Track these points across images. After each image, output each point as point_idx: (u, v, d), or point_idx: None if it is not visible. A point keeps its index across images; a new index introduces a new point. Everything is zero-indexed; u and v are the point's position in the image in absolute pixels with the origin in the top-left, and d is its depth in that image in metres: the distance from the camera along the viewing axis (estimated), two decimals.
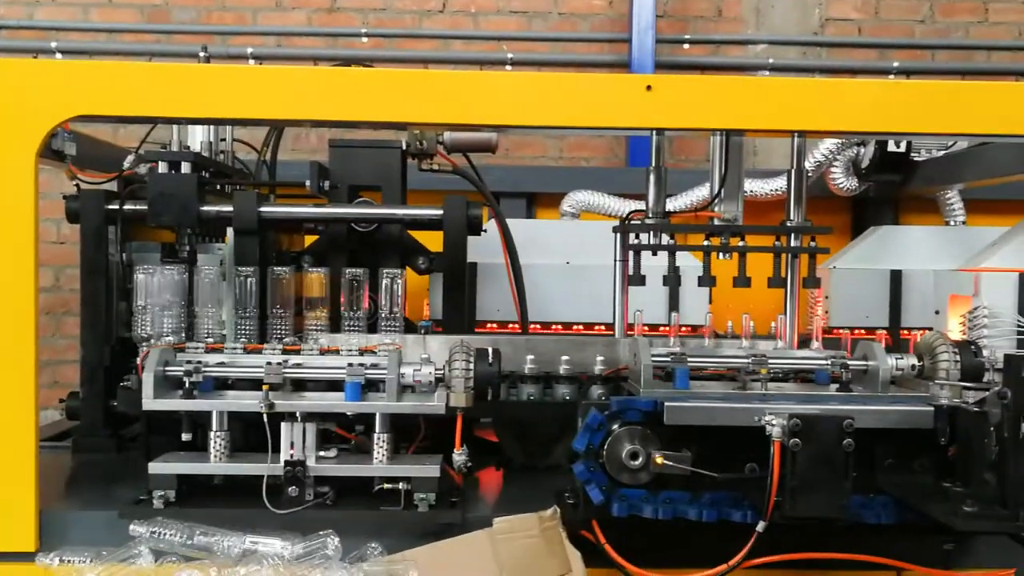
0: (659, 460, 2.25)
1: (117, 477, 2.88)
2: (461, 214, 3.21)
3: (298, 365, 2.57)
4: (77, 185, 3.28)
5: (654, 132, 2.70)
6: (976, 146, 4.06)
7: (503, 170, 4.66)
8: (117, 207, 3.08)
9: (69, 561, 2.31)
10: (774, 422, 2.14)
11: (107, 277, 3.13)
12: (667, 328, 3.22)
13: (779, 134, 2.88)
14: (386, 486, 2.50)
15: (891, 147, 4.27)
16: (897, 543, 2.41)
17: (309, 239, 3.52)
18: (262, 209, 3.01)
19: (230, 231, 3.06)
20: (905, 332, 3.88)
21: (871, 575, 2.50)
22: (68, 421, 3.31)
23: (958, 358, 2.53)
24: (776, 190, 4.48)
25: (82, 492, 2.86)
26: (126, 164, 3.29)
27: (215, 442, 2.51)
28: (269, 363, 2.52)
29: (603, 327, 3.67)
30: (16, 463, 2.43)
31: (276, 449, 2.48)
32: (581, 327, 3.76)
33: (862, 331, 3.85)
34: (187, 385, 2.50)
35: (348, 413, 2.55)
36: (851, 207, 4.85)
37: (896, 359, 2.60)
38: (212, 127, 3.56)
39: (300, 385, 2.59)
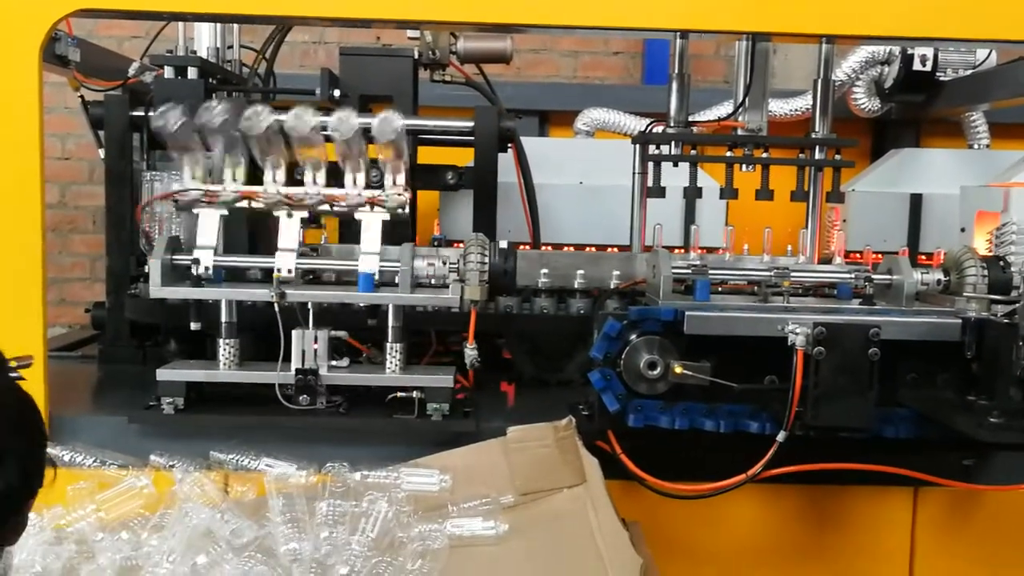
0: (678, 369, 2.21)
1: (135, 385, 2.85)
2: (492, 125, 3.09)
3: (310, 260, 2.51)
4: (82, 96, 3.19)
5: (677, 35, 2.60)
6: (1005, 64, 3.93)
7: (515, 86, 4.52)
8: (142, 114, 2.98)
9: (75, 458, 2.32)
10: (798, 331, 2.10)
11: (131, 186, 3.05)
12: (682, 249, 3.16)
13: (808, 39, 2.77)
14: (400, 394, 2.47)
15: (916, 66, 4.14)
16: (916, 458, 2.39)
17: None
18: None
19: None
20: (923, 257, 3.81)
21: (889, 489, 2.49)
22: (81, 332, 3.27)
23: (986, 272, 2.46)
24: (796, 110, 4.35)
25: (96, 399, 2.84)
26: (131, 71, 3.20)
27: (224, 349, 2.48)
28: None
29: (616, 248, 3.59)
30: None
31: (287, 358, 2.44)
32: (593, 248, 3.69)
33: (879, 255, 3.77)
34: (195, 274, 2.43)
35: (361, 305, 2.49)
36: (872, 129, 4.72)
37: (922, 273, 2.54)
38: (219, 32, 3.45)
39: (314, 280, 2.55)
